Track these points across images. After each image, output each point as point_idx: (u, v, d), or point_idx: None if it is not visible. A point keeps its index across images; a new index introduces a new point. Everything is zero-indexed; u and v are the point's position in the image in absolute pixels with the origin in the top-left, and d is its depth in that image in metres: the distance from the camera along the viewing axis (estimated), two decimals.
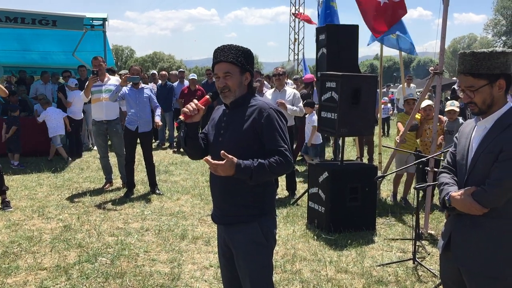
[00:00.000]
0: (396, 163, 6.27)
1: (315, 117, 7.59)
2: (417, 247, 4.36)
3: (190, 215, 5.69)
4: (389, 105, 15.06)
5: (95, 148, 8.71)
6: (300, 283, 3.84)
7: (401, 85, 13.58)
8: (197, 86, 10.40)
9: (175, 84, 11.33)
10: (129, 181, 6.68)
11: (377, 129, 7.93)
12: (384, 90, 15.53)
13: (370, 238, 4.96)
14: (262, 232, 2.40)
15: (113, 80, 6.87)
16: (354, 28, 6.00)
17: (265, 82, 9.81)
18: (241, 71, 2.39)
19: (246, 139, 2.34)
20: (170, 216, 5.65)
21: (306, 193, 5.73)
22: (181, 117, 2.36)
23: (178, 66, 48.58)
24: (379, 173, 6.08)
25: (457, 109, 5.92)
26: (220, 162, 2.18)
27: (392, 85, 20.96)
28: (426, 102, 6.04)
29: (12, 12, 8.65)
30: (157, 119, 6.61)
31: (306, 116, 7.77)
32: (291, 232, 5.09)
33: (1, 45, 12.56)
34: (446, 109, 5.96)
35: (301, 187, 6.99)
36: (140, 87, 6.59)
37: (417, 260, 4.24)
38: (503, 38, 54.07)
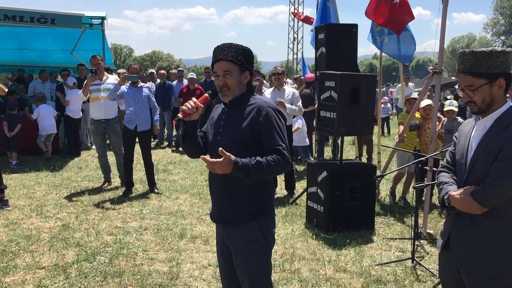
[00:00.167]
0: (398, 162, 6.28)
1: (300, 120, 7.77)
2: (416, 246, 4.36)
3: (189, 214, 5.69)
4: (389, 104, 15.05)
5: (94, 147, 8.71)
6: (299, 282, 3.84)
7: (399, 85, 13.60)
8: (196, 85, 10.40)
9: (174, 83, 11.33)
10: (127, 180, 6.67)
11: (376, 129, 7.93)
12: (384, 89, 15.50)
13: (369, 237, 4.96)
14: (260, 231, 2.39)
15: (112, 79, 6.86)
16: (353, 27, 5.99)
17: (264, 81, 9.81)
18: (240, 69, 2.38)
19: (245, 138, 2.33)
20: (168, 215, 5.64)
21: (305, 193, 5.73)
22: (180, 115, 2.35)
23: (177, 65, 48.57)
24: (378, 173, 6.08)
25: (456, 109, 5.92)
26: (218, 160, 2.17)
27: (391, 85, 20.97)
28: (425, 102, 6.03)
29: (11, 10, 8.63)
30: (156, 125, 6.69)
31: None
32: (290, 232, 5.09)
33: (0, 43, 12.54)
34: (445, 109, 5.96)
35: (300, 186, 6.98)
36: (139, 86, 6.58)
37: (416, 259, 4.24)
38: (502, 37, 54.18)
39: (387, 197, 6.56)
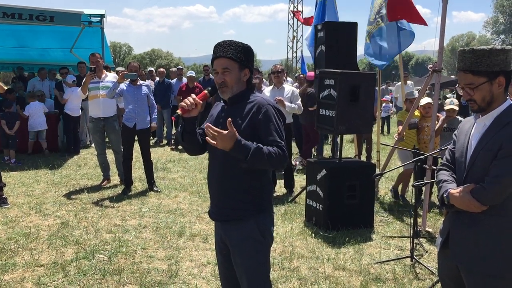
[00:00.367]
0: (401, 160, 6.27)
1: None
2: (415, 244, 4.37)
3: (188, 212, 5.68)
4: (390, 104, 15.00)
5: (93, 145, 8.70)
6: (298, 281, 3.84)
7: (399, 83, 13.58)
8: (195, 83, 10.39)
9: (174, 81, 11.32)
10: (126, 178, 6.67)
11: (375, 127, 7.92)
12: (383, 87, 15.45)
13: (368, 235, 4.96)
14: (258, 229, 2.39)
15: (111, 77, 6.85)
16: (353, 26, 5.98)
17: (263, 79, 9.81)
18: (240, 67, 2.38)
19: (244, 135, 2.32)
20: (167, 213, 5.63)
21: (304, 191, 5.73)
22: (179, 111, 2.35)
23: (177, 63, 48.55)
24: (377, 171, 6.07)
25: (457, 108, 5.92)
26: (222, 131, 2.14)
27: (390, 82, 20.93)
28: (425, 100, 6.02)
29: (10, 7, 8.61)
30: (153, 123, 6.71)
31: None
32: (289, 230, 5.08)
33: None
34: (445, 108, 5.95)
35: (299, 184, 6.98)
36: (138, 84, 6.57)
37: (415, 257, 4.24)
38: (502, 36, 54.18)
39: (386, 195, 6.55)
